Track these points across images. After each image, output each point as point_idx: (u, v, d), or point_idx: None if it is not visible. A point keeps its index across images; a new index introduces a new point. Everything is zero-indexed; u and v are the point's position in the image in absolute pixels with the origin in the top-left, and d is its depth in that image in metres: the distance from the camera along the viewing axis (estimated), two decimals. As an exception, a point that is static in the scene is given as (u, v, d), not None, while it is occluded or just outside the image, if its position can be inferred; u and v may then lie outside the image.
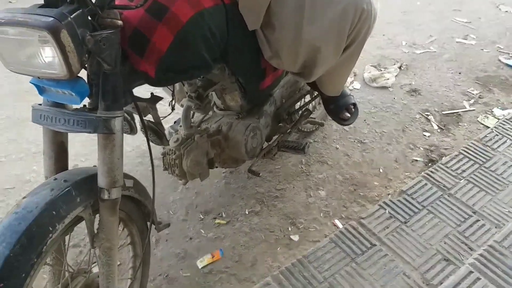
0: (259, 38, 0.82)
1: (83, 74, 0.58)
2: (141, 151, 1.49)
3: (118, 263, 0.78)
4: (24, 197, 0.50)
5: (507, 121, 1.46)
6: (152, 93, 0.84)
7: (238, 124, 1.05)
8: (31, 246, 0.43)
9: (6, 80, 1.67)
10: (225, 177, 1.44)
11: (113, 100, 0.57)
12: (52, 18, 0.45)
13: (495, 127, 1.44)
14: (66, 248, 0.59)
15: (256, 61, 0.87)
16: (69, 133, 0.62)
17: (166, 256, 1.06)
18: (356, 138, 1.60)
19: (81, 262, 0.90)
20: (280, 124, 1.27)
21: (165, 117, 0.99)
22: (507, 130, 1.41)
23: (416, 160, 1.39)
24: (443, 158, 1.34)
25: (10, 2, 2.32)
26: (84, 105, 0.60)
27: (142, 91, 0.87)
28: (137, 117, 0.72)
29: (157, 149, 1.31)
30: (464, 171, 1.28)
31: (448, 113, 1.59)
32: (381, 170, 1.41)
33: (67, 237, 0.58)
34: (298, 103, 1.34)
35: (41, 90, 0.57)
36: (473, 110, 1.61)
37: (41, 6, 0.49)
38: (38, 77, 0.54)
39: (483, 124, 1.52)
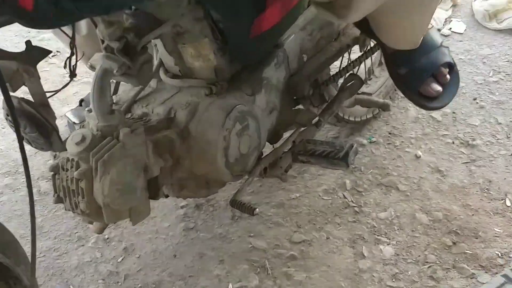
0: None
1: None
2: (9, 162, 1.61)
3: None
4: None
5: None
6: (28, 42, 0.88)
7: (211, 106, 1.13)
8: None
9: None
10: (186, 218, 1.57)
11: None
12: None
13: None
14: None
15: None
16: None
17: None
18: (456, 136, 1.67)
19: None
20: (299, 107, 1.35)
21: (57, 91, 1.02)
22: None
23: None
24: None
25: None
26: None
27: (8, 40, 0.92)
28: None
29: (43, 158, 1.27)
30: None
31: None
32: (508, 203, 1.41)
33: None
34: (337, 64, 1.51)
35: None
36: None
37: None
38: None
39: None
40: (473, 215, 1.48)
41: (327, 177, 1.65)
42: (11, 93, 0.79)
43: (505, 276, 1.26)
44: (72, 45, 0.97)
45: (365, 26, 1.22)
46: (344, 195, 1.59)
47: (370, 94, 1.69)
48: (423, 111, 1.79)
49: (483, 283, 1.31)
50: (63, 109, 1.83)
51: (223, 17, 1.01)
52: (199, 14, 0.99)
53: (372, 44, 1.51)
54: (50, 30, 1.05)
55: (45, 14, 0.69)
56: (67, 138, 0.98)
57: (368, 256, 1.42)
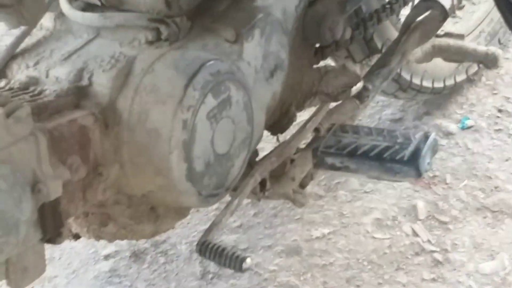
0: None
1: None
2: None
3: None
4: None
5: None
6: None
7: (158, 64, 1.16)
8: None
9: None
10: (114, 277, 1.61)
11: None
12: None
13: None
14: None
15: None
16: None
17: None
18: None
19: None
20: (326, 63, 1.40)
21: None
22: None
23: None
24: None
25: None
26: None
27: None
28: None
29: None
30: None
31: None
32: None
33: None
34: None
35: None
36: None
37: None
38: None
39: None
40: None
41: (380, 195, 1.67)
42: None
43: None
44: None
45: None
46: (414, 230, 1.61)
47: (461, 36, 1.69)
48: None
49: None
50: None
51: None
52: None
53: None
54: None
55: None
56: None
57: None
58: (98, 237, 1.24)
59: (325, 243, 1.59)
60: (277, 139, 1.36)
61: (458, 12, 1.76)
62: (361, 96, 1.37)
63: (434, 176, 1.67)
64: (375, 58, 1.46)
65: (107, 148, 1.13)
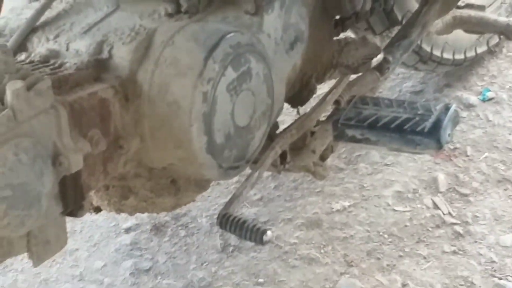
0: None
1: None
2: None
3: None
4: None
5: None
6: None
7: (178, 36, 1.15)
8: None
9: None
10: (135, 250, 1.62)
11: None
12: None
13: None
14: None
15: None
16: None
17: None
18: None
19: None
20: (346, 35, 1.41)
21: None
22: None
23: None
24: None
25: None
26: None
27: None
28: None
29: None
30: None
31: None
32: None
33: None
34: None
35: None
36: None
37: None
38: None
39: None
40: None
41: (401, 168, 1.67)
42: None
43: None
44: None
45: None
46: (434, 203, 1.61)
47: (482, 7, 1.67)
48: None
49: None
50: None
51: None
52: None
53: None
54: None
55: None
56: None
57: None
58: (119, 210, 1.25)
59: (346, 216, 1.60)
60: (297, 112, 1.36)
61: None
62: (381, 68, 1.37)
63: (455, 148, 1.67)
64: (395, 30, 1.45)
65: (128, 121, 1.13)
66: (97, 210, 1.22)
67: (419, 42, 1.54)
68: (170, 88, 1.11)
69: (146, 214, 1.57)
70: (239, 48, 1.15)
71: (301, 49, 1.32)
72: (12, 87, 0.98)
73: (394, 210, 1.61)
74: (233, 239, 1.56)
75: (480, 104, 1.75)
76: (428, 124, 1.28)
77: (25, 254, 1.06)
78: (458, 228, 1.56)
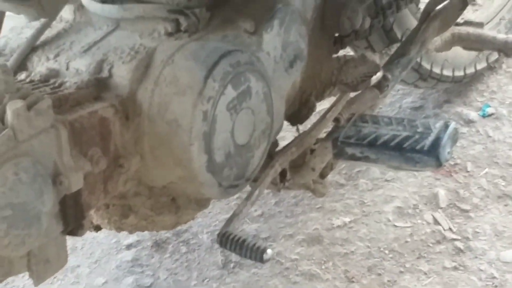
0: None
1: None
2: None
3: None
4: None
5: None
6: None
7: (178, 55, 1.16)
8: None
9: None
10: (136, 267, 1.63)
11: None
12: None
13: None
14: None
15: None
16: None
17: None
18: None
19: None
20: (345, 53, 1.42)
21: None
22: None
23: None
24: None
25: None
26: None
27: None
28: None
29: None
30: None
31: None
32: None
33: None
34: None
35: None
36: None
37: None
38: None
39: None
40: None
41: (401, 184, 1.67)
42: None
43: None
44: None
45: None
46: (435, 219, 1.61)
47: (481, 24, 1.67)
48: None
49: None
50: None
51: None
52: None
53: None
54: None
55: None
56: None
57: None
58: (119, 229, 1.25)
59: (346, 231, 1.60)
60: (297, 129, 1.36)
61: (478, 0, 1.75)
62: (380, 86, 1.37)
63: (455, 164, 1.67)
64: (394, 48, 1.45)
65: (128, 139, 1.13)
66: (97, 228, 1.22)
67: (418, 59, 1.55)
68: (170, 106, 1.11)
69: (147, 232, 1.57)
70: (239, 67, 1.15)
71: (301, 67, 1.32)
72: (13, 107, 0.98)
73: (395, 226, 1.61)
74: (234, 255, 1.54)
75: (480, 119, 1.76)
76: (427, 142, 1.28)
77: (26, 273, 1.05)
78: (459, 244, 1.56)
